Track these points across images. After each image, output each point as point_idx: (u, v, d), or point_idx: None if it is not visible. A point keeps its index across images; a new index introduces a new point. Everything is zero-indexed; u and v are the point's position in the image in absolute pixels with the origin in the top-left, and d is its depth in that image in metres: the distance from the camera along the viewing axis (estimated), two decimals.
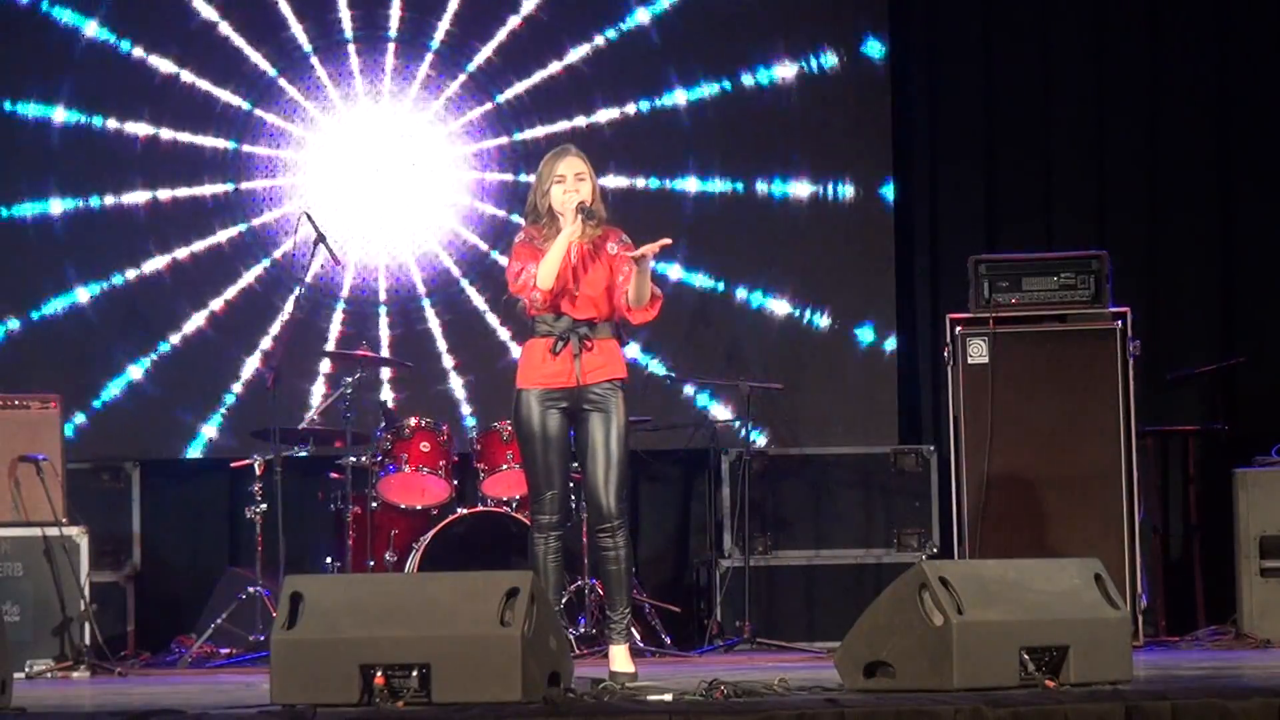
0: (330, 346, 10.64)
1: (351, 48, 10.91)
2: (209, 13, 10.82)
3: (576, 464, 7.52)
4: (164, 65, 10.81)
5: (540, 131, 10.86)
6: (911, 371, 10.86)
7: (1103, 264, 9.43)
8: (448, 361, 10.83)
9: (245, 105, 10.84)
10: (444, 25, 10.89)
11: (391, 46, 10.90)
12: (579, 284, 7.32)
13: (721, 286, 10.85)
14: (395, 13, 10.90)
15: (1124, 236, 10.70)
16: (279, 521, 9.48)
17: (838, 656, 6.50)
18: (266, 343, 10.70)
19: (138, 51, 10.81)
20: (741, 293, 10.85)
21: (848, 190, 10.89)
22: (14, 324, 10.72)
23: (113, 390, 10.71)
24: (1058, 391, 9.28)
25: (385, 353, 10.64)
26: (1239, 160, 10.81)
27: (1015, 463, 9.23)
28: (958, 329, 9.38)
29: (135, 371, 10.74)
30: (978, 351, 9.34)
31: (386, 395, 10.53)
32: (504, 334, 10.81)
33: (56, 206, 10.78)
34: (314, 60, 10.87)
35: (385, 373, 10.62)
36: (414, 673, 5.92)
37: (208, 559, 10.63)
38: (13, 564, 9.06)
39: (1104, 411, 9.23)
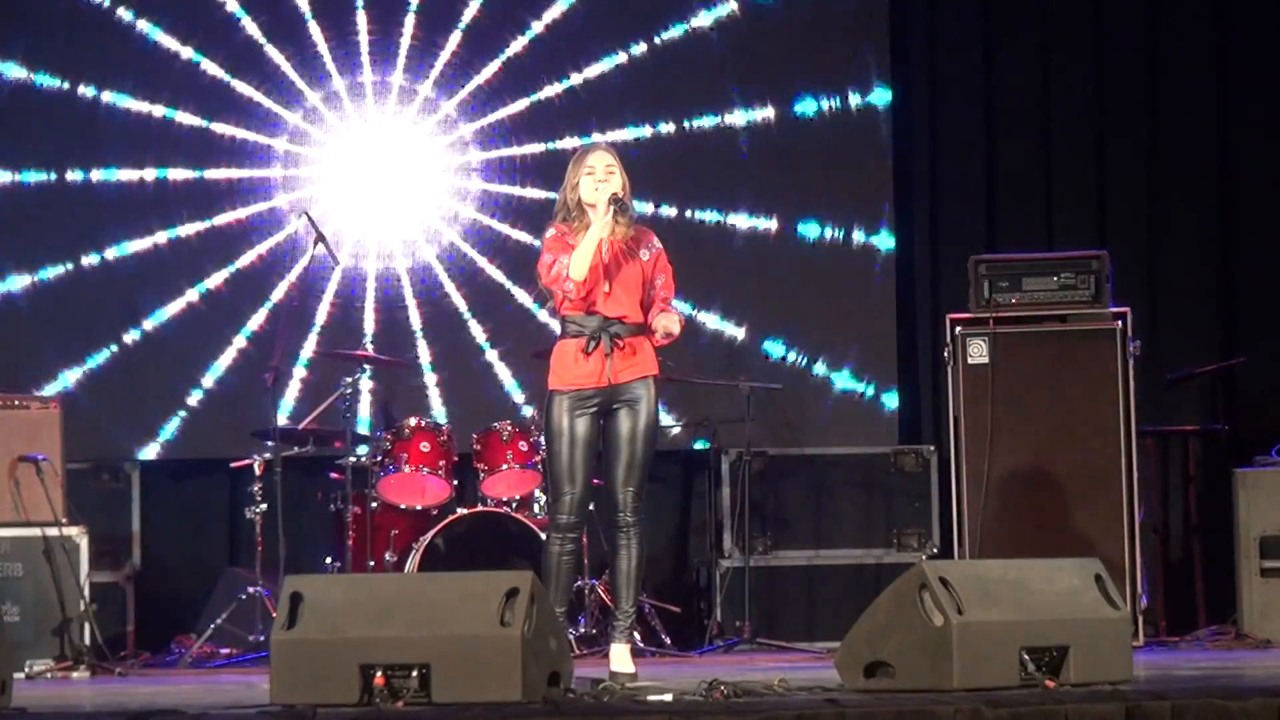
0: (315, 347, 10.60)
1: (364, 45, 10.88)
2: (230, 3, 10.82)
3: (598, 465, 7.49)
4: (168, 41, 10.76)
5: (542, 147, 10.84)
6: (911, 371, 10.86)
7: (1103, 264, 9.43)
8: (492, 356, 10.80)
9: (251, 93, 10.81)
10: (455, 37, 10.86)
11: (402, 51, 10.87)
12: (611, 281, 7.26)
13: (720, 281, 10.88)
14: (410, 18, 10.85)
15: (1124, 236, 10.70)
16: (279, 521, 9.47)
17: (838, 656, 6.50)
18: (241, 342, 10.67)
19: (128, 17, 10.76)
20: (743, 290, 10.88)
21: (847, 189, 10.89)
22: None
23: (86, 382, 10.66)
24: (1058, 391, 9.27)
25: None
26: (1239, 160, 10.81)
27: (1015, 463, 9.23)
28: (958, 329, 9.38)
29: (103, 362, 10.66)
30: (978, 351, 9.34)
31: (365, 401, 10.50)
32: (493, 355, 10.78)
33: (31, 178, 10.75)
34: (325, 57, 10.85)
35: (366, 384, 10.53)
36: (414, 673, 5.92)
37: (208, 559, 10.63)
38: (13, 564, 9.06)
39: (1104, 411, 9.23)
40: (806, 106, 10.91)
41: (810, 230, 10.88)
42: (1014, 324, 9.39)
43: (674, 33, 10.90)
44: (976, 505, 9.22)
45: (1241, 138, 10.80)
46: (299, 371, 10.66)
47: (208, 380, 10.68)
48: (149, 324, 10.71)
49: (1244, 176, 10.81)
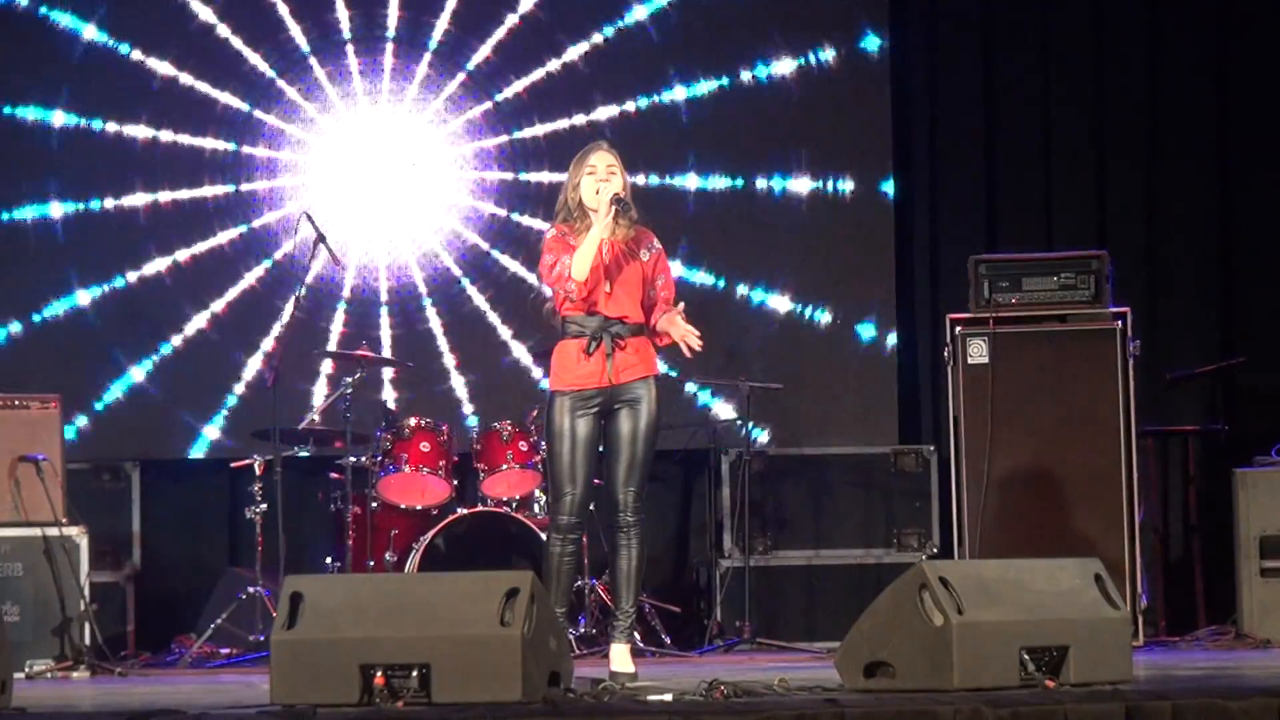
0: (332, 347, 10.64)
1: (350, 48, 10.91)
2: (206, 15, 10.82)
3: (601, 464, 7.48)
4: (162, 68, 10.81)
5: (540, 130, 10.87)
6: (911, 371, 10.87)
7: (1103, 264, 9.43)
8: (449, 361, 10.83)
9: (244, 107, 10.84)
10: (442, 24, 10.89)
11: (390, 46, 10.90)
12: (612, 282, 7.25)
13: (721, 284, 10.85)
14: (393, 12, 10.89)
15: (1124, 236, 10.70)
16: (279, 521, 9.47)
17: (838, 656, 6.50)
18: (268, 343, 10.71)
19: (136, 54, 10.81)
20: (741, 290, 10.86)
21: (848, 189, 10.89)
22: (15, 327, 10.72)
23: (115, 392, 10.71)
24: (1058, 391, 9.27)
25: (387, 353, 10.65)
26: (1239, 160, 10.81)
27: (1015, 463, 9.23)
28: (958, 329, 9.38)
29: (137, 373, 10.73)
30: (978, 351, 9.34)
31: (388, 395, 10.56)
32: (505, 333, 10.81)
33: (57, 209, 10.78)
34: (312, 60, 10.88)
35: (387, 373, 10.64)
36: (414, 673, 5.92)
37: (208, 559, 10.64)
38: (13, 564, 9.06)
39: (1104, 411, 9.23)
40: (808, 107, 10.92)
41: (811, 231, 10.89)
42: (1014, 324, 9.38)
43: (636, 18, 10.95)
44: (976, 505, 9.22)
45: (1241, 138, 10.80)
46: (324, 371, 10.68)
47: (240, 387, 10.75)
48: (178, 338, 10.76)
49: (1244, 176, 10.81)
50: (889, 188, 10.87)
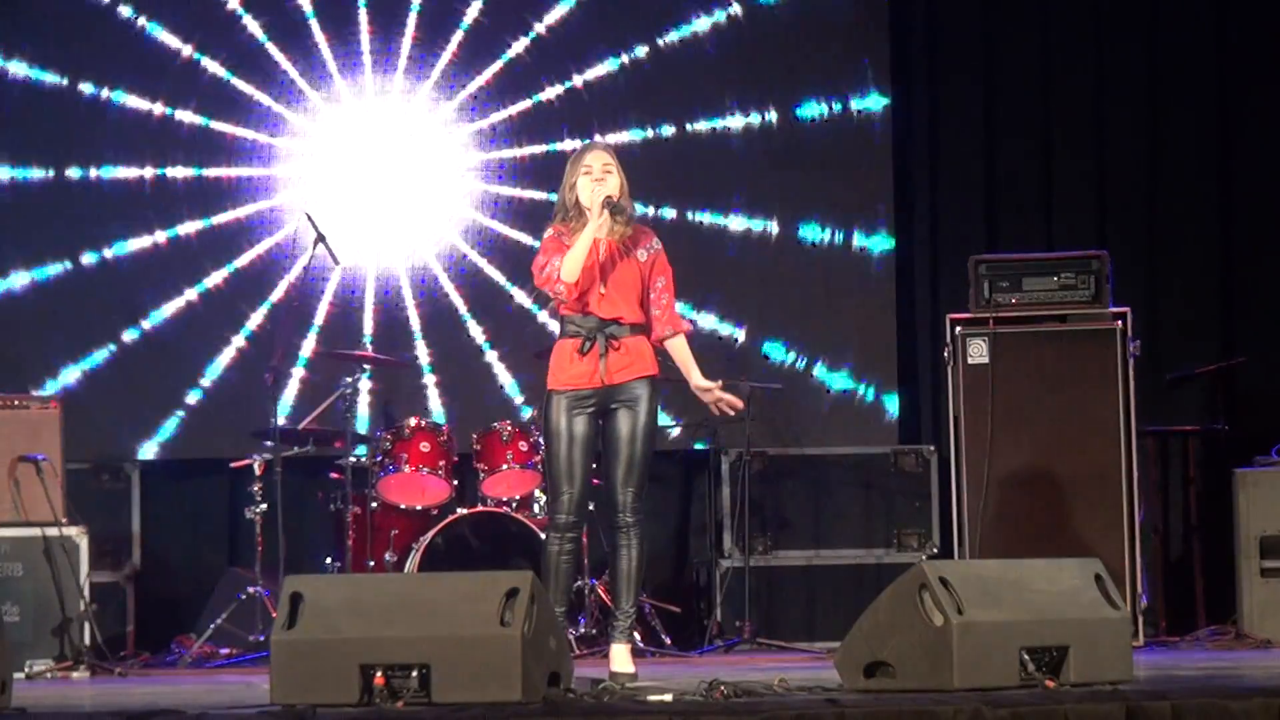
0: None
1: (365, 45, 10.84)
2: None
3: (597, 465, 7.47)
4: (169, 39, 10.73)
5: (542, 148, 10.81)
6: (911, 371, 10.87)
7: (1103, 264, 9.43)
8: (491, 357, 10.77)
9: (252, 92, 10.77)
10: (456, 37, 10.79)
11: (405, 50, 10.84)
12: (606, 282, 7.25)
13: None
14: (411, 19, 10.80)
15: (1124, 236, 10.70)
16: (279, 521, 9.48)
17: (838, 656, 6.50)
18: (241, 341, 10.64)
19: (128, 13, 10.72)
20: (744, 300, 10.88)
21: (848, 189, 10.89)
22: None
23: (71, 381, 10.64)
24: (1058, 391, 9.27)
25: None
26: (1239, 160, 10.81)
27: (1015, 463, 9.23)
28: (958, 329, 9.38)
29: (102, 361, 10.65)
30: (978, 351, 9.33)
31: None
32: (492, 356, 10.77)
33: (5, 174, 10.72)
34: (327, 57, 10.81)
35: (366, 384, 10.57)
36: (414, 673, 5.92)
37: (208, 559, 10.63)
38: (13, 564, 9.06)
39: (1104, 411, 9.23)
40: (808, 108, 10.92)
41: (811, 232, 10.89)
42: (1014, 324, 9.38)
43: (675, 36, 10.89)
44: (976, 505, 9.21)
45: (1241, 137, 10.80)
46: (298, 371, 10.65)
47: (206, 380, 10.68)
48: (148, 323, 10.72)
49: (1244, 176, 10.81)
50: (889, 189, 10.87)
